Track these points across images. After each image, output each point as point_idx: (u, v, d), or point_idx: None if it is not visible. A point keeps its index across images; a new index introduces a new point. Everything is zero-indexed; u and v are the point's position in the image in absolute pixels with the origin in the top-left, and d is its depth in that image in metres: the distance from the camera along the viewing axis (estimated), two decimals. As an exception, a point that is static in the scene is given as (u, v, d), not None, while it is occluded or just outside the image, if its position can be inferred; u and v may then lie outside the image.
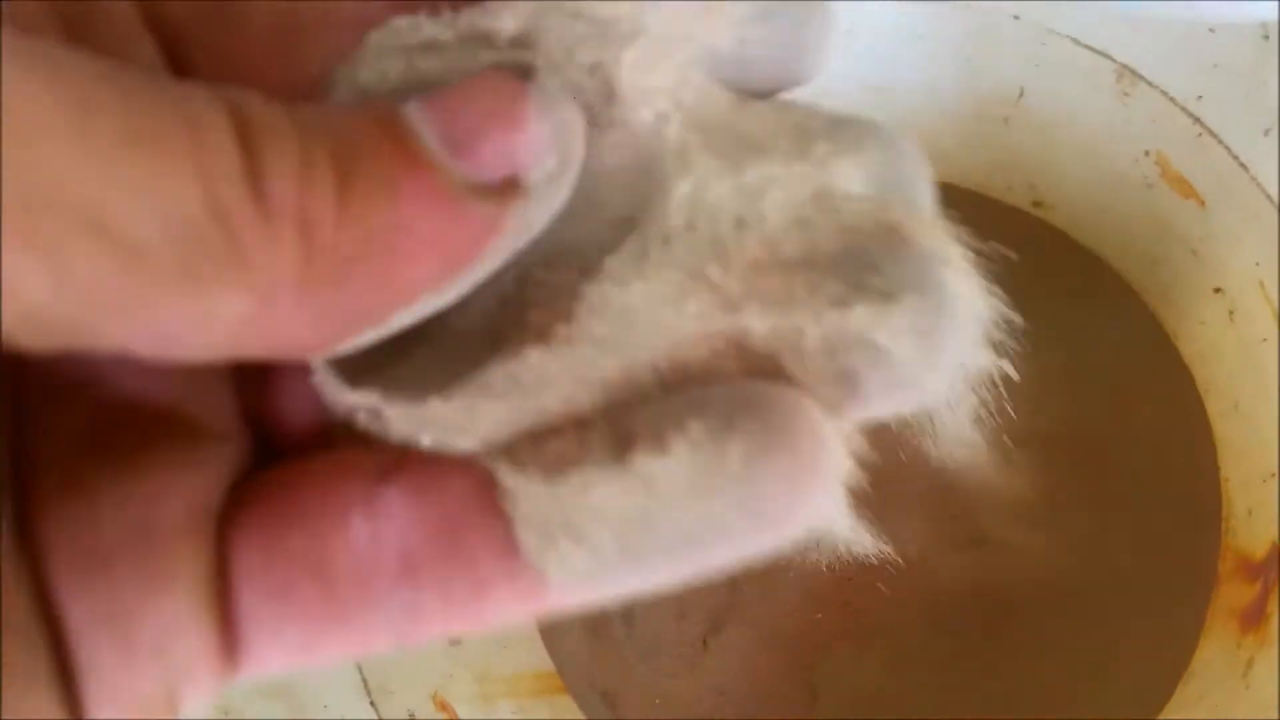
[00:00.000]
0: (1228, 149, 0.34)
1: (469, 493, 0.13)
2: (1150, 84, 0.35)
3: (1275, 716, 0.33)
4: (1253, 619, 0.39)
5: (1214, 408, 0.44)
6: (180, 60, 0.14)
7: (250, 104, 0.12)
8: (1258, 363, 0.39)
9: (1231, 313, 0.40)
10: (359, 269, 0.12)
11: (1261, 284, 0.37)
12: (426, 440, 0.14)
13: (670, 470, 0.13)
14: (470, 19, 0.15)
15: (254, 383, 0.15)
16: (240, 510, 0.14)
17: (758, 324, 0.14)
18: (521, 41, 0.15)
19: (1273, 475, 0.39)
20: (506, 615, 0.13)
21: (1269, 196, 0.34)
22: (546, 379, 0.14)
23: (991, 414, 0.18)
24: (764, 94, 0.15)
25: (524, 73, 0.14)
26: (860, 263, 0.14)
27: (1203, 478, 0.45)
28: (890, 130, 0.15)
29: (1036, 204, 0.48)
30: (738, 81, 0.15)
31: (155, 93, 0.11)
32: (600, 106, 0.15)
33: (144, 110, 0.11)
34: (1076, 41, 0.36)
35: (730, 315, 0.14)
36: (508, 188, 0.13)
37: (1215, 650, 0.41)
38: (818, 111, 0.15)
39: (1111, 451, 0.46)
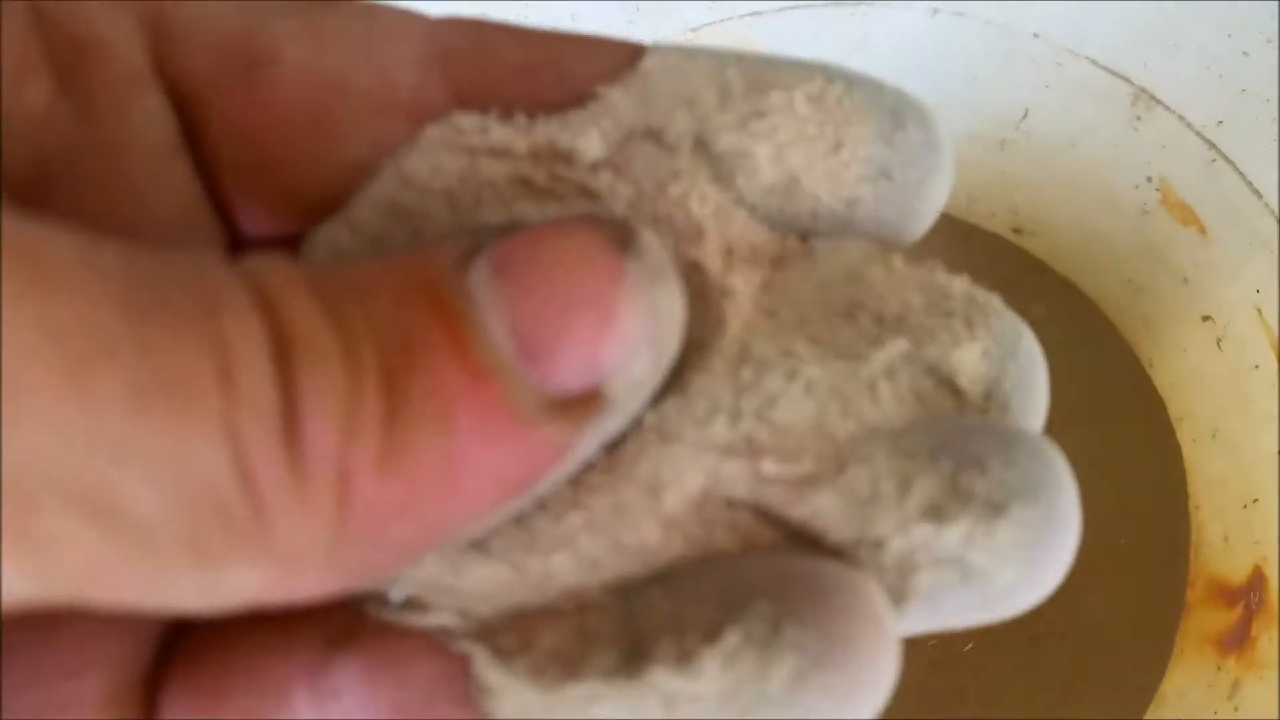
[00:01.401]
0: (1242, 176, 0.35)
1: (437, 680, 0.11)
2: (1167, 108, 0.36)
3: (1275, 736, 0.33)
4: (1234, 643, 0.40)
5: (1188, 436, 0.45)
6: (194, 128, 0.12)
7: (285, 301, 0.09)
8: (1247, 390, 0.40)
9: (1220, 340, 0.41)
10: (398, 525, 0.10)
11: (1260, 311, 0.37)
12: (394, 594, 0.11)
13: (697, 689, 0.10)
14: (549, 132, 0.13)
15: None
16: (171, 675, 0.11)
17: (827, 521, 0.11)
18: (606, 164, 0.12)
19: (1254, 501, 0.40)
20: None
21: (1278, 221, 0.34)
22: (560, 539, 0.11)
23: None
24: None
25: (606, 214, 0.11)
26: (962, 453, 0.11)
27: (1171, 507, 0.46)
28: (1017, 319, 0.13)
29: (1016, 230, 0.48)
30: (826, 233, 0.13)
31: (171, 311, 0.09)
32: (682, 245, 0.12)
33: (159, 341, 0.09)
34: (1095, 62, 0.37)
35: (792, 495, 0.11)
36: (586, 401, 0.10)
37: (1189, 676, 0.42)
38: (949, 281, 0.13)
39: (1080, 482, 0.47)
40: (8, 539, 0.08)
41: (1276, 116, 0.33)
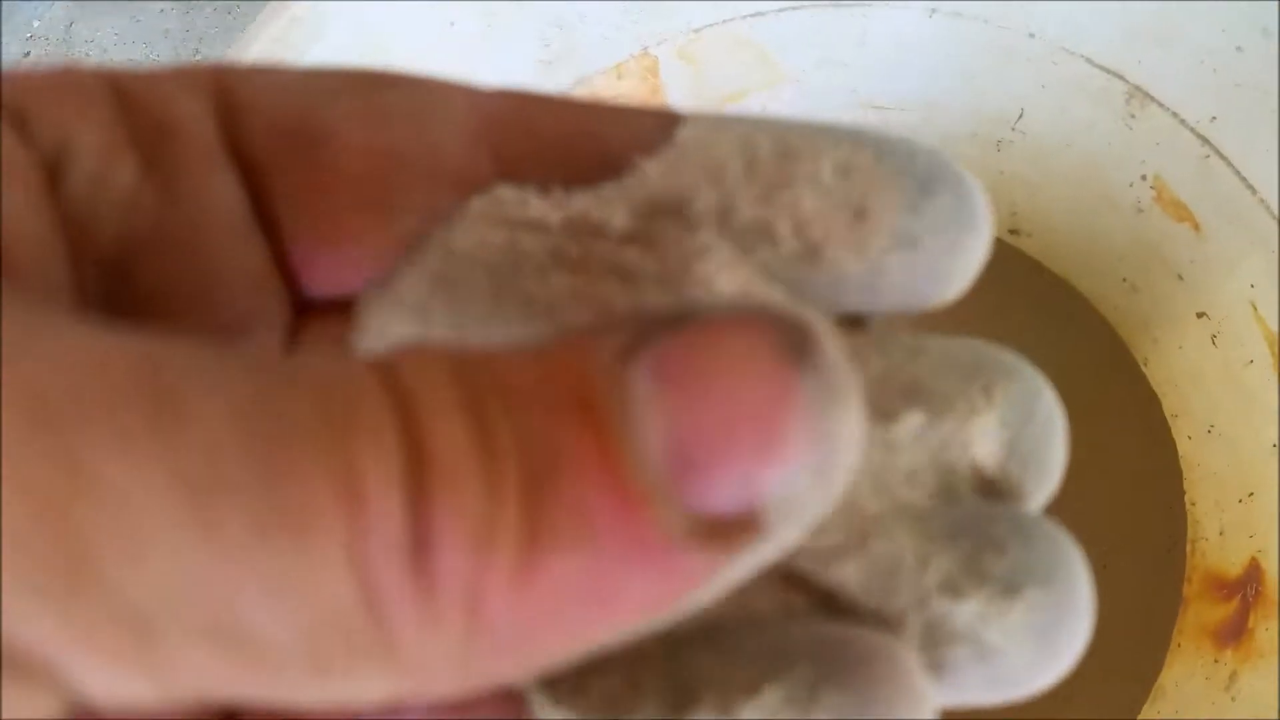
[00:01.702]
0: (1236, 171, 0.36)
1: (498, 718, 0.11)
2: (1161, 105, 0.37)
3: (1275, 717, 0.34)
4: (1231, 635, 0.40)
5: (1183, 432, 0.45)
6: (261, 200, 0.13)
7: (427, 416, 0.09)
8: (1241, 385, 0.40)
9: (1215, 336, 0.41)
10: (530, 641, 0.10)
11: (1254, 305, 0.38)
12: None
13: None
14: (583, 205, 0.13)
15: None
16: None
17: (853, 591, 0.12)
18: (633, 238, 0.13)
19: (1250, 495, 0.41)
20: None
21: (1275, 217, 0.35)
22: None
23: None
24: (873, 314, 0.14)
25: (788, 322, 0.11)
26: (981, 536, 0.12)
27: (1166, 503, 0.46)
28: (1036, 376, 0.13)
29: (1013, 232, 0.49)
30: (852, 306, 0.13)
31: (299, 437, 0.09)
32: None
33: (284, 470, 0.09)
34: (1090, 61, 0.37)
35: (819, 565, 0.12)
36: (742, 526, 0.10)
37: (1187, 669, 0.42)
38: (965, 347, 0.13)
39: (1077, 480, 0.47)
40: (132, 656, 0.09)
41: (1275, 109, 0.33)
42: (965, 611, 0.12)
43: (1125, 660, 0.44)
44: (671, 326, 0.10)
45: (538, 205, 0.13)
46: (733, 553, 0.10)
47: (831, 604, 0.12)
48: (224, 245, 0.13)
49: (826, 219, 0.13)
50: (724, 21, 0.39)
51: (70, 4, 0.65)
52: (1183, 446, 0.46)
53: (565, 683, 0.11)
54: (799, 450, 0.10)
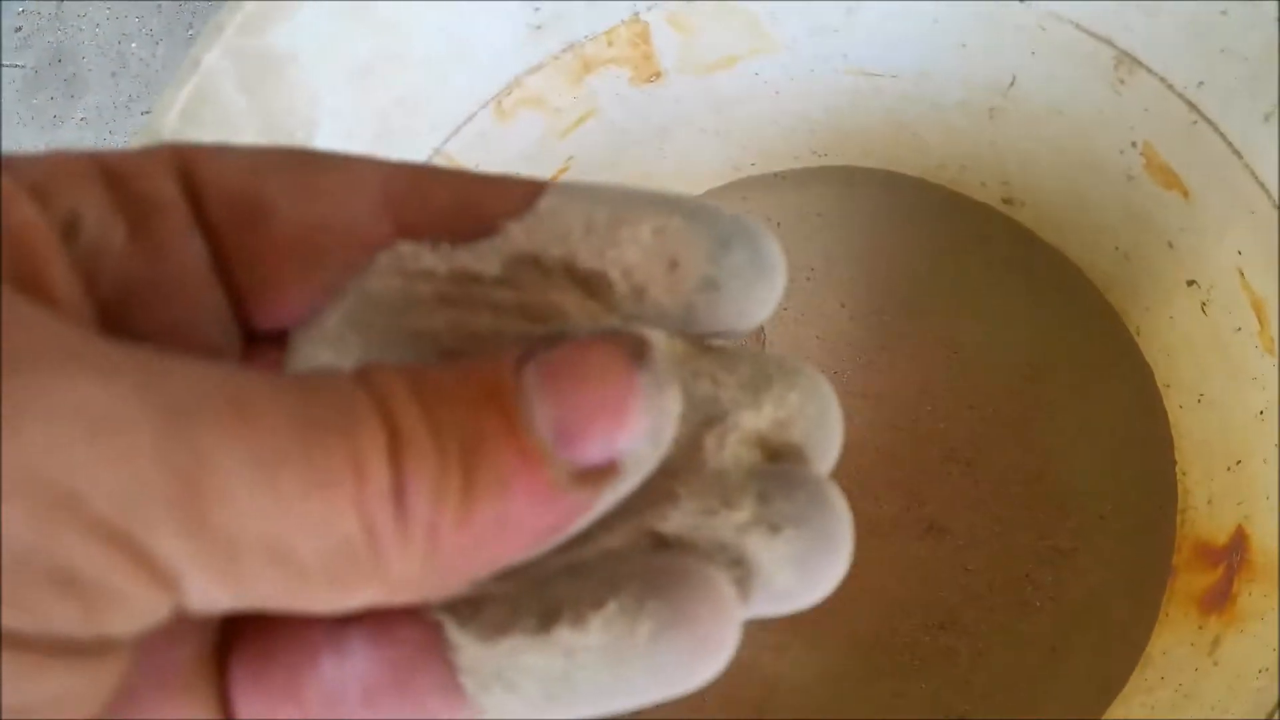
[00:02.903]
0: (1223, 136, 0.36)
1: (419, 641, 0.15)
2: (1150, 71, 0.37)
3: (1255, 685, 0.34)
4: (1216, 601, 0.41)
5: (1174, 401, 0.46)
6: (218, 255, 0.17)
7: (398, 411, 0.14)
8: (1230, 353, 0.41)
9: (1204, 304, 0.42)
10: (466, 561, 0.14)
11: (1241, 273, 0.38)
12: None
13: (587, 642, 0.15)
14: (463, 258, 0.17)
15: None
16: (235, 639, 0.16)
17: (679, 530, 0.16)
18: (502, 282, 0.17)
19: (1238, 463, 0.41)
20: None
21: (1261, 183, 0.36)
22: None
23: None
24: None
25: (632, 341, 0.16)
26: (762, 492, 0.16)
27: (1158, 473, 0.47)
28: (810, 372, 0.18)
29: (1006, 201, 0.50)
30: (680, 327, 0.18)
31: (323, 427, 0.13)
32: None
33: (320, 455, 0.13)
34: (1079, 26, 0.38)
35: (658, 516, 0.16)
36: (604, 473, 0.15)
37: (1174, 636, 0.43)
38: (765, 362, 0.18)
39: (1068, 448, 0.48)
40: (221, 574, 0.13)
41: (1259, 74, 0.34)
42: (748, 545, 0.16)
43: (1115, 631, 0.45)
44: (552, 343, 0.15)
45: (429, 257, 0.17)
46: (600, 490, 0.15)
47: (664, 543, 0.16)
48: (194, 291, 0.17)
49: (647, 268, 0.17)
50: (712, -12, 0.40)
51: (63, -24, 0.66)
52: (1174, 416, 0.46)
53: (465, 609, 0.16)
54: (640, 421, 0.15)
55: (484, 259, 0.17)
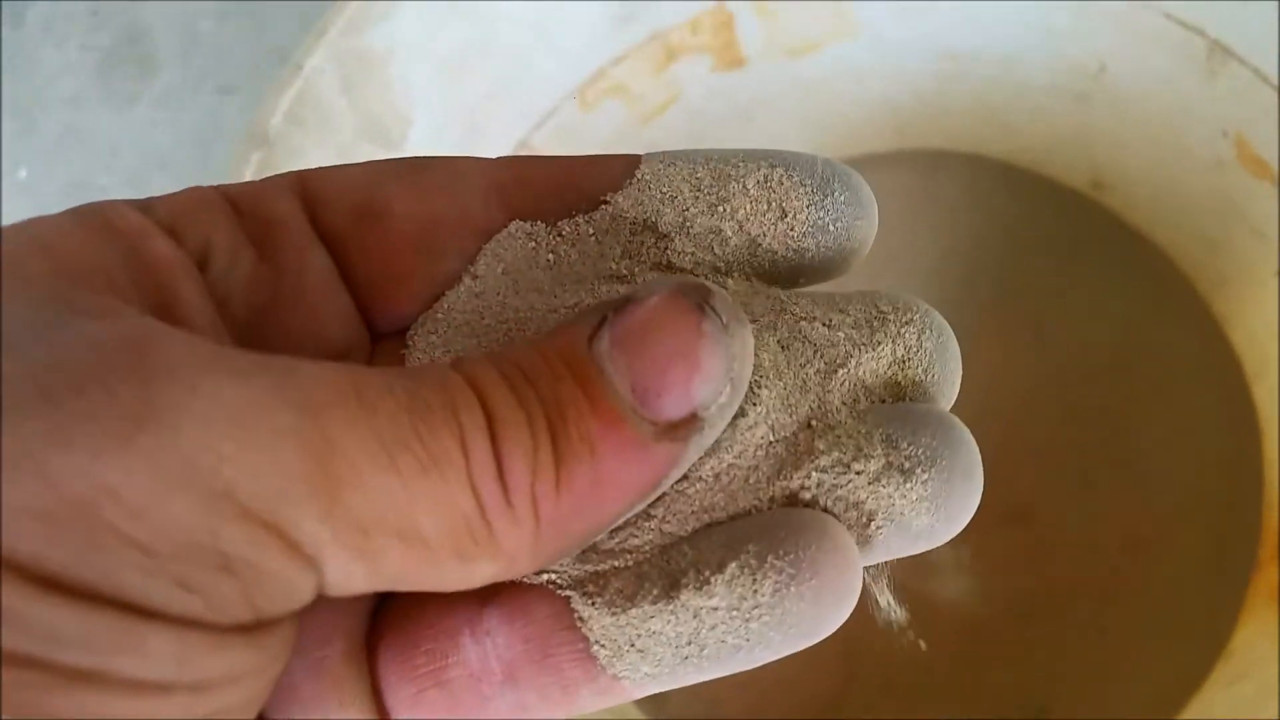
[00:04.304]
0: (1316, 127, 0.37)
1: (552, 616, 0.17)
2: (1242, 61, 0.38)
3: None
4: (1302, 596, 0.42)
5: (1263, 392, 0.47)
6: (342, 263, 0.19)
7: (490, 394, 0.15)
8: (1321, 344, 0.42)
9: (1295, 295, 0.43)
10: (571, 525, 0.16)
11: (1333, 264, 0.39)
12: None
13: (713, 604, 0.16)
14: (575, 230, 0.19)
15: None
16: (380, 634, 0.18)
17: (811, 489, 0.17)
18: (623, 252, 0.19)
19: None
20: (592, 705, 0.17)
21: (1355, 175, 0.36)
22: (629, 543, 0.17)
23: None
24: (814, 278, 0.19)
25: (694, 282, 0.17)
26: (887, 439, 0.17)
27: (1244, 464, 0.48)
28: (925, 310, 0.19)
29: (1095, 185, 0.51)
30: (784, 279, 0.19)
31: (431, 412, 0.15)
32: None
33: (430, 436, 0.14)
34: (1169, 16, 0.39)
35: (787, 481, 0.17)
36: (687, 423, 0.16)
37: (1257, 630, 0.44)
38: (877, 299, 0.19)
39: (1154, 437, 0.49)
40: (357, 553, 0.14)
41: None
42: (882, 493, 0.17)
43: (1198, 622, 0.46)
44: (618, 308, 0.16)
45: (542, 233, 0.19)
46: (687, 441, 0.16)
47: (796, 501, 0.17)
48: (320, 299, 0.19)
49: (759, 219, 0.19)
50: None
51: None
52: (1261, 407, 0.47)
53: (592, 584, 0.17)
54: (713, 367, 0.16)
55: (599, 231, 0.19)
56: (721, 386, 0.16)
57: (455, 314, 0.19)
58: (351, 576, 0.15)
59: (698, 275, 0.19)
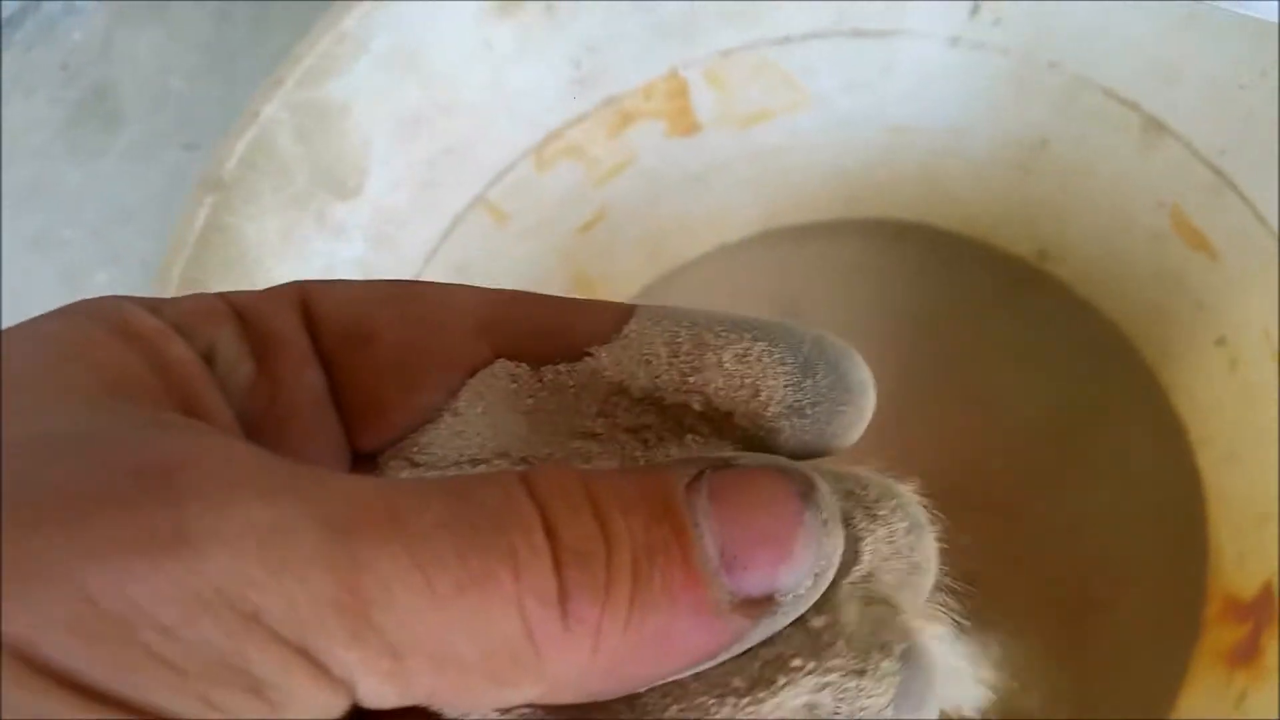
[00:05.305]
0: (1246, 201, 0.39)
1: None
2: (1176, 135, 0.40)
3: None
4: (1243, 656, 0.43)
5: (1207, 459, 0.49)
6: (333, 382, 0.19)
7: (560, 515, 0.15)
8: (1259, 410, 0.44)
9: (1234, 362, 0.45)
10: (625, 667, 0.15)
11: (1266, 332, 0.41)
12: None
13: None
14: (557, 379, 0.19)
15: None
16: None
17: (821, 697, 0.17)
18: (598, 411, 0.19)
19: (1270, 518, 0.44)
20: None
21: (1281, 245, 0.38)
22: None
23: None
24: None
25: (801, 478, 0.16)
26: (871, 640, 0.17)
27: (1189, 529, 0.49)
28: (919, 507, 0.19)
29: (1041, 255, 0.52)
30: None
31: (478, 534, 0.14)
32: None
33: (471, 554, 0.14)
34: (1108, 92, 0.41)
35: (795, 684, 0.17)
36: (761, 604, 0.16)
37: (1201, 693, 0.45)
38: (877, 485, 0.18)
39: (1101, 502, 0.50)
40: (387, 676, 0.14)
41: (1277, 141, 0.37)
42: (861, 688, 0.16)
43: (1145, 685, 0.47)
44: (722, 466, 0.16)
45: (525, 377, 0.19)
46: (757, 621, 0.16)
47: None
48: (311, 418, 0.19)
49: (730, 395, 0.18)
50: (751, 46, 0.43)
51: (109, 17, 0.70)
52: (1206, 473, 0.49)
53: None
54: (803, 560, 0.16)
55: (577, 384, 0.19)
56: (805, 580, 0.16)
57: (433, 449, 0.19)
58: (384, 696, 0.14)
59: (671, 442, 0.19)
